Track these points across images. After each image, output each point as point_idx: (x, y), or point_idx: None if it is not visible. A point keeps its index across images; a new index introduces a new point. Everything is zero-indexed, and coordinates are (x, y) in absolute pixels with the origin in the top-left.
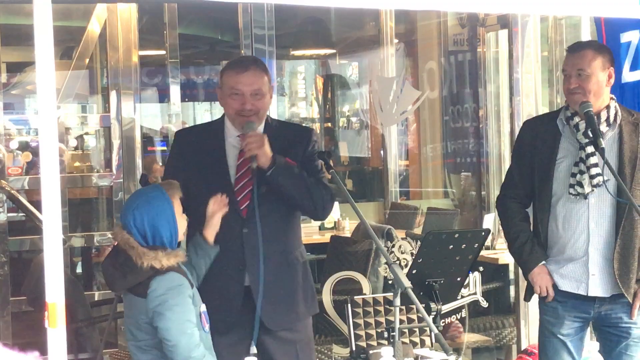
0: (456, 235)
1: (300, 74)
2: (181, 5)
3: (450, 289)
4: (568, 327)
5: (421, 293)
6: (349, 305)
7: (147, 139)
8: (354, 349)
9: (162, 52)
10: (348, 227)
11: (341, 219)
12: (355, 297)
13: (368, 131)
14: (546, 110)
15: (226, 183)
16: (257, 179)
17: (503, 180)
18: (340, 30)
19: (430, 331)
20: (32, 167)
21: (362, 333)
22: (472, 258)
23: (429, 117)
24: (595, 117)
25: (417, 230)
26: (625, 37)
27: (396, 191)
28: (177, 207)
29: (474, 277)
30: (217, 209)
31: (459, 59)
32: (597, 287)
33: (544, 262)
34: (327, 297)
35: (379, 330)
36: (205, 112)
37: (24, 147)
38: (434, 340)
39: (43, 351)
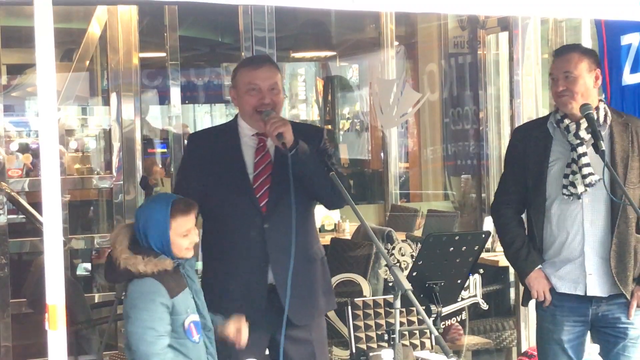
0: (456, 238)
1: (301, 76)
2: (181, 8)
3: (450, 291)
4: (568, 332)
5: (421, 295)
6: (349, 307)
7: (147, 141)
8: (354, 351)
9: (163, 54)
10: (348, 230)
11: (341, 221)
12: (355, 299)
13: (368, 133)
14: (547, 112)
15: (244, 181)
16: (279, 170)
17: (496, 187)
18: (340, 32)
19: (431, 333)
20: (32, 169)
21: (362, 335)
22: (473, 260)
23: (429, 120)
24: (585, 118)
25: (418, 233)
26: (625, 39)
27: (396, 193)
28: (178, 226)
29: (474, 280)
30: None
31: (460, 61)
32: (595, 286)
33: (540, 266)
34: None
35: (379, 333)
36: (205, 114)
37: (24, 149)
38: (434, 343)
39: (43, 353)
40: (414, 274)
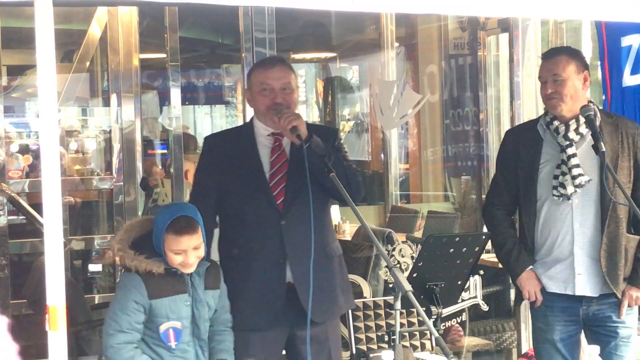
0: (457, 239)
1: (301, 77)
2: (182, 9)
3: (450, 293)
4: (560, 332)
5: (422, 296)
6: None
7: (147, 142)
8: (354, 352)
9: (163, 55)
10: (348, 231)
11: (341, 223)
12: (355, 300)
13: (368, 134)
14: None
15: (261, 180)
16: (295, 168)
17: (488, 189)
18: (340, 33)
19: (431, 335)
20: (32, 170)
21: (363, 336)
22: (473, 261)
23: (429, 121)
24: (574, 119)
25: (418, 234)
26: (625, 41)
27: (397, 194)
28: (169, 242)
29: (475, 281)
30: None
31: (460, 62)
32: (584, 286)
33: (531, 266)
34: None
35: (380, 334)
36: (205, 115)
37: (24, 150)
38: (434, 344)
39: (44, 354)
40: (414, 275)
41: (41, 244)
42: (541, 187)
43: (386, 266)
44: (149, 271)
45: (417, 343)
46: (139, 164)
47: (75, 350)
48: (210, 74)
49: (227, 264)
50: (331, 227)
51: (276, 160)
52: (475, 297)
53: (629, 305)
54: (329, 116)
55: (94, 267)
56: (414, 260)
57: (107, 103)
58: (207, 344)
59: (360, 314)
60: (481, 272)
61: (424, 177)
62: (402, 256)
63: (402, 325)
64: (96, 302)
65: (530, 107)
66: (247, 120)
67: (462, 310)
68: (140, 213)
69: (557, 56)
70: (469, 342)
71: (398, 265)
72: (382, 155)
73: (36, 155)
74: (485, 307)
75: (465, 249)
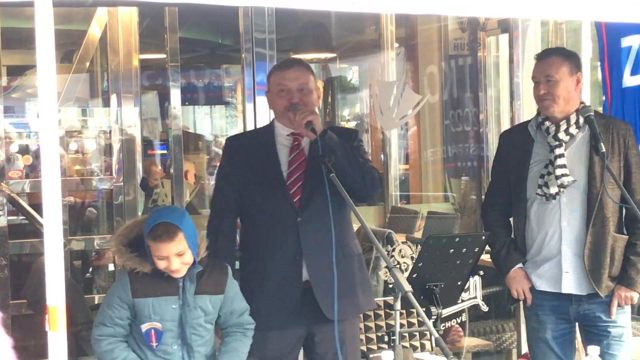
0: (457, 240)
1: None
2: (182, 9)
3: (450, 293)
4: (552, 330)
5: (421, 297)
6: None
7: (147, 143)
8: None
9: (163, 55)
10: None
11: None
12: None
13: (368, 135)
14: None
15: (278, 178)
16: (313, 167)
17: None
18: (340, 34)
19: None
20: (32, 171)
21: (363, 337)
22: (473, 262)
23: (429, 121)
24: (565, 120)
25: (418, 234)
26: (625, 41)
27: (396, 195)
28: (150, 246)
29: (474, 281)
30: None
31: (460, 63)
32: (571, 284)
33: (520, 265)
34: None
35: (379, 334)
36: (205, 116)
37: (24, 150)
38: (434, 344)
39: (43, 354)
40: (414, 275)
41: (41, 244)
42: (530, 187)
43: (386, 267)
44: (137, 270)
45: (417, 343)
46: (139, 165)
47: (75, 351)
48: (210, 75)
49: (246, 262)
50: (351, 227)
51: (294, 159)
52: (475, 297)
53: (619, 305)
54: (329, 116)
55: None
56: (413, 261)
57: (107, 103)
58: (194, 348)
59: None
60: (481, 272)
61: (424, 178)
62: (402, 257)
63: (402, 325)
64: (96, 302)
65: (530, 108)
66: (247, 120)
67: (462, 311)
68: (140, 213)
69: (550, 57)
70: (469, 342)
71: (398, 266)
72: (382, 156)
73: (36, 155)
74: (485, 308)
75: (465, 249)
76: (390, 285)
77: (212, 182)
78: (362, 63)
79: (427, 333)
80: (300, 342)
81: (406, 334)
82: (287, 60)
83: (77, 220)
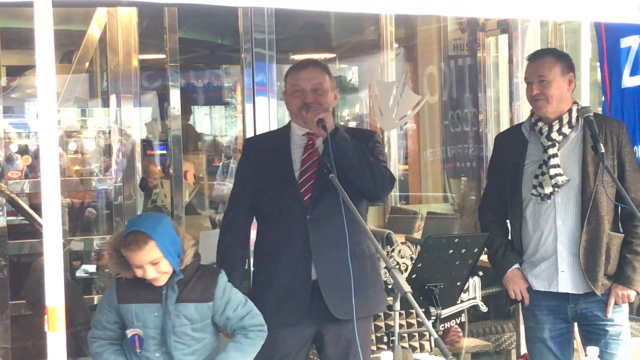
0: (456, 240)
1: None
2: (181, 9)
3: (449, 294)
4: (550, 330)
5: (421, 297)
6: None
7: (146, 143)
8: None
9: (162, 56)
10: None
11: None
12: None
13: None
14: None
15: (290, 177)
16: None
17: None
18: (340, 34)
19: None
20: (31, 171)
21: None
22: (472, 262)
23: (428, 122)
24: (558, 120)
25: (417, 235)
26: (625, 42)
27: (396, 195)
28: (127, 256)
29: (474, 282)
30: None
31: (459, 63)
32: (567, 283)
33: (517, 265)
34: None
35: (379, 335)
36: (204, 116)
37: (24, 150)
38: (433, 345)
39: (43, 355)
40: (414, 276)
41: (40, 244)
42: (525, 187)
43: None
44: (121, 276)
45: (416, 344)
46: (138, 165)
47: (74, 351)
48: (210, 75)
49: (258, 259)
50: (364, 227)
51: (307, 158)
52: (475, 298)
53: (616, 303)
54: None
55: (92, 268)
56: (413, 262)
57: (106, 104)
58: (175, 357)
59: None
60: (480, 273)
61: (423, 178)
62: (402, 257)
63: (401, 326)
64: (95, 302)
65: (529, 108)
66: (246, 121)
67: (461, 312)
68: (139, 214)
69: (542, 58)
70: (468, 343)
71: (397, 267)
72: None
73: (35, 155)
74: (484, 308)
75: (464, 250)
76: (390, 286)
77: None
78: (362, 63)
79: (427, 334)
80: (310, 341)
81: (405, 335)
82: (302, 61)
83: (76, 220)
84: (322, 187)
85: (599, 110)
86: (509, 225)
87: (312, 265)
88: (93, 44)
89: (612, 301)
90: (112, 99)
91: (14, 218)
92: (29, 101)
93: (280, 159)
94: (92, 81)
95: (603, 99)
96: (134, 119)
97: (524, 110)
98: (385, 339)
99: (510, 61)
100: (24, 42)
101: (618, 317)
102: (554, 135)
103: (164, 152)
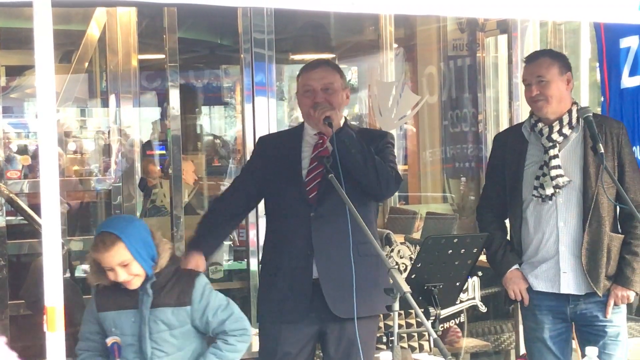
0: (455, 240)
1: None
2: (181, 10)
3: (449, 294)
4: (549, 330)
5: (420, 298)
6: None
7: (146, 143)
8: None
9: (162, 56)
10: None
11: None
12: None
13: None
14: None
15: (297, 174)
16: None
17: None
18: (339, 34)
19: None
20: (30, 171)
21: None
22: (471, 263)
23: (428, 122)
24: (558, 121)
25: (416, 235)
26: (624, 42)
27: (395, 196)
28: (97, 259)
29: (473, 282)
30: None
31: (459, 63)
32: (569, 284)
33: (517, 266)
34: None
35: (378, 335)
36: (204, 116)
37: (23, 150)
38: (432, 345)
39: (42, 355)
40: (413, 276)
41: (39, 244)
42: (526, 188)
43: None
44: (98, 284)
45: (416, 344)
46: (138, 165)
47: (73, 351)
48: (209, 75)
49: (264, 255)
50: (371, 227)
51: (316, 156)
52: (474, 298)
53: (615, 304)
54: None
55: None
56: (412, 262)
57: (105, 104)
58: None
59: None
60: (480, 273)
61: (423, 178)
62: (401, 257)
63: (400, 326)
64: None
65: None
66: (246, 121)
67: (461, 312)
68: (138, 214)
69: (539, 58)
70: (467, 343)
71: (396, 267)
72: None
73: (34, 155)
74: (483, 309)
75: (463, 250)
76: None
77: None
78: (361, 63)
79: (426, 334)
80: (312, 340)
81: (405, 335)
82: (313, 61)
83: (75, 220)
84: (327, 185)
85: (598, 110)
86: (507, 225)
87: (313, 263)
88: (92, 44)
89: (611, 302)
90: (112, 99)
91: (12, 218)
92: (28, 101)
93: (290, 156)
94: (92, 81)
95: (602, 99)
96: (134, 119)
97: (523, 111)
98: (385, 339)
99: (510, 61)
100: (24, 42)
101: (617, 318)
102: (555, 136)
103: (164, 152)
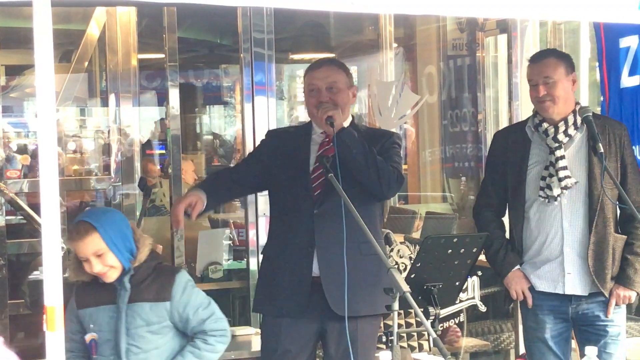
0: (455, 240)
1: (299, 78)
2: (180, 9)
3: (448, 293)
4: (551, 330)
5: (419, 297)
6: None
7: (145, 143)
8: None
9: (161, 55)
10: None
11: None
12: None
13: None
14: None
15: (303, 171)
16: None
17: (478, 191)
18: (339, 34)
19: (429, 335)
20: (30, 170)
21: None
22: (471, 262)
23: (427, 122)
24: (563, 121)
25: (416, 235)
26: (624, 42)
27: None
28: (73, 249)
29: (472, 282)
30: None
31: (458, 63)
32: (574, 285)
33: (518, 266)
34: None
35: (378, 335)
36: (204, 116)
37: (23, 150)
38: (432, 345)
39: (41, 354)
40: (412, 276)
41: (39, 244)
42: (529, 188)
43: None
44: (77, 280)
45: (415, 344)
46: (137, 165)
47: None
48: (209, 75)
49: (267, 247)
50: (374, 225)
51: (319, 155)
52: (473, 298)
53: (616, 304)
54: None
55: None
56: (412, 261)
57: (105, 103)
58: None
59: None
60: (479, 273)
61: (422, 178)
62: (400, 257)
63: (399, 326)
64: None
65: (529, 108)
66: (245, 120)
67: (460, 311)
68: (138, 213)
69: (546, 58)
70: (467, 342)
71: (396, 266)
72: None
73: (34, 155)
74: (483, 308)
75: (463, 250)
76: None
77: None
78: (361, 63)
79: (425, 333)
80: (313, 339)
81: (404, 334)
82: (319, 60)
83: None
84: (331, 184)
85: (598, 110)
86: (505, 224)
87: (314, 260)
88: (92, 43)
89: (613, 302)
90: (111, 98)
91: (12, 217)
92: (28, 100)
93: (298, 153)
94: (91, 80)
95: (602, 98)
96: (133, 118)
97: (522, 110)
98: (384, 339)
99: (510, 61)
100: (23, 42)
101: (617, 317)
102: (560, 136)
103: (163, 151)
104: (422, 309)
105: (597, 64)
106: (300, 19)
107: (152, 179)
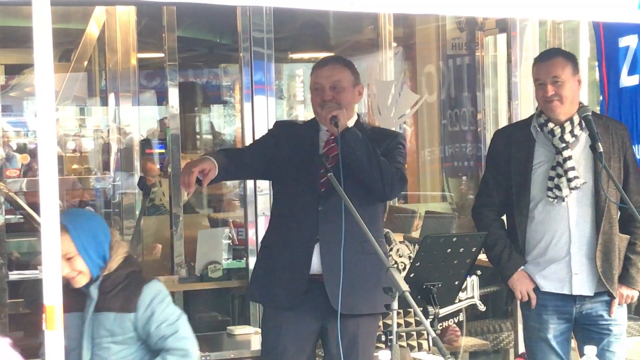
0: (454, 239)
1: (299, 77)
2: (180, 8)
3: (448, 293)
4: (554, 330)
5: (419, 296)
6: None
7: (145, 142)
8: None
9: (161, 54)
10: None
11: None
12: None
13: None
14: None
15: (312, 167)
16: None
17: (477, 190)
18: (338, 33)
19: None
20: (29, 169)
21: None
22: (470, 262)
23: (427, 121)
24: (569, 121)
25: (415, 234)
26: (623, 41)
27: None
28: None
29: (472, 281)
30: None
31: (458, 62)
32: (581, 286)
33: (522, 267)
34: None
35: (377, 334)
36: (203, 115)
37: (22, 149)
38: (431, 344)
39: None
40: (412, 275)
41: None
42: (535, 188)
43: None
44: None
45: (415, 343)
46: (137, 164)
47: None
48: (208, 74)
49: (267, 238)
50: (377, 224)
51: (328, 152)
52: (473, 297)
53: (619, 303)
54: None
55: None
56: (411, 261)
57: (105, 102)
58: None
59: None
60: (479, 272)
61: (422, 177)
62: (400, 256)
63: (399, 325)
64: None
65: (528, 108)
66: (245, 119)
67: (460, 311)
68: (137, 212)
69: (554, 58)
70: (466, 342)
71: (395, 266)
72: None
73: (34, 154)
74: (482, 308)
75: (462, 249)
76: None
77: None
78: (360, 62)
79: (425, 333)
80: (314, 337)
81: (403, 334)
82: (324, 58)
83: None
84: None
85: (597, 109)
86: (506, 223)
87: (314, 256)
88: (92, 42)
89: (616, 301)
90: (111, 97)
91: (12, 216)
92: (28, 100)
93: (306, 147)
94: (91, 80)
95: (601, 98)
96: (133, 117)
97: (522, 110)
98: (383, 338)
99: (509, 60)
100: (23, 41)
101: (620, 316)
102: (567, 137)
103: (163, 150)
104: (421, 308)
105: (596, 63)
106: (299, 19)
107: (152, 178)
